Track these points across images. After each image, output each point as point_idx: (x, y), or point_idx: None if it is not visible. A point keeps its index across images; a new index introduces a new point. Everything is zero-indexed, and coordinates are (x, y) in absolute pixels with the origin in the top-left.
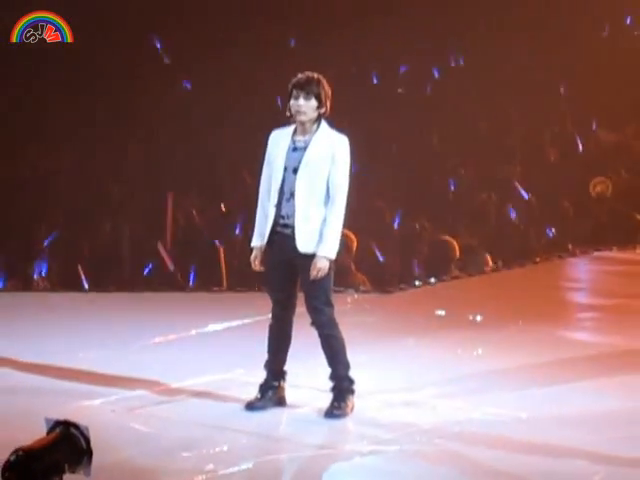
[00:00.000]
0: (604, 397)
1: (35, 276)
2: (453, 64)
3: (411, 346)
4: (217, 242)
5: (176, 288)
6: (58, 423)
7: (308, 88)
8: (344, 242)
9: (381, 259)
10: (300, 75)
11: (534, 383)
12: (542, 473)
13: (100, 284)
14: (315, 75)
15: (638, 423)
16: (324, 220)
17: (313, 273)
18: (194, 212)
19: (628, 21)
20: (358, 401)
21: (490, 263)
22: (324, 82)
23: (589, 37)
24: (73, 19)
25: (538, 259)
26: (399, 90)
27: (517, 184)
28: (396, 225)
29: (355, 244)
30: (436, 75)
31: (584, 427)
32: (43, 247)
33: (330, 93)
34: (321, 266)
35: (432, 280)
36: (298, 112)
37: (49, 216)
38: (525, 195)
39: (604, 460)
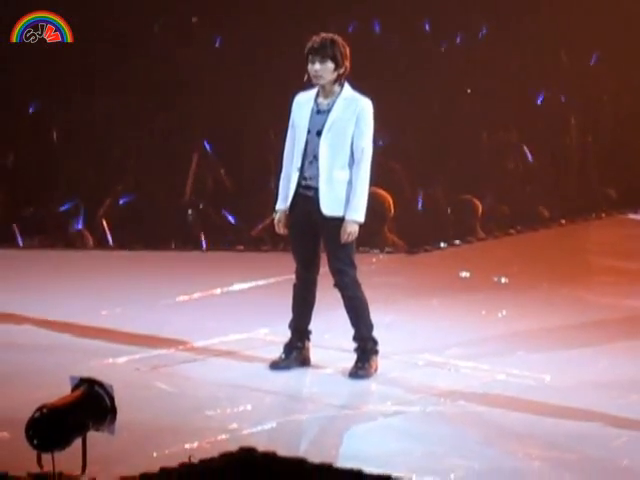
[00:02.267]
0: (629, 361)
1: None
2: (481, 29)
3: (435, 307)
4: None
5: (199, 247)
6: (83, 381)
7: (322, 52)
8: (383, 204)
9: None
10: (314, 38)
11: (558, 346)
12: (565, 435)
13: (125, 242)
14: (329, 36)
15: None
16: (349, 183)
17: (344, 237)
18: (222, 171)
19: None
20: (382, 362)
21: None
22: (340, 42)
23: None
24: (73, 19)
25: (564, 221)
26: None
27: (525, 148)
28: (420, 202)
29: (391, 203)
30: (459, 40)
31: (608, 390)
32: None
33: (348, 52)
34: (351, 230)
35: (457, 241)
36: (315, 77)
37: (68, 185)
38: (530, 157)
39: (628, 424)
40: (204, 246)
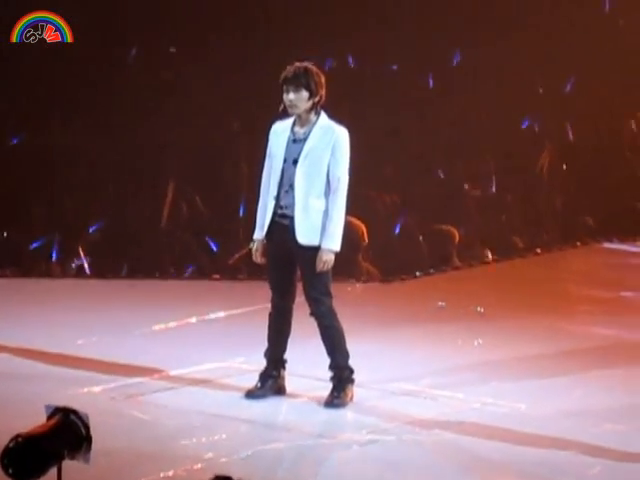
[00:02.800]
0: (604, 390)
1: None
2: (453, 60)
3: (411, 336)
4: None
5: (176, 276)
6: (58, 410)
7: (296, 81)
8: (357, 233)
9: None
10: (288, 67)
11: (534, 375)
12: (540, 464)
13: (101, 271)
14: (302, 65)
15: (637, 417)
16: (326, 212)
17: (319, 266)
18: (197, 199)
19: None
20: (358, 391)
21: (489, 257)
22: (313, 70)
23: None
24: (73, 19)
25: (539, 250)
26: None
27: (494, 178)
28: (396, 231)
29: (364, 232)
30: (431, 80)
31: (583, 420)
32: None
33: (323, 80)
34: (326, 259)
35: (432, 270)
36: (290, 106)
37: (52, 206)
38: (494, 188)
39: (602, 453)
40: (180, 275)
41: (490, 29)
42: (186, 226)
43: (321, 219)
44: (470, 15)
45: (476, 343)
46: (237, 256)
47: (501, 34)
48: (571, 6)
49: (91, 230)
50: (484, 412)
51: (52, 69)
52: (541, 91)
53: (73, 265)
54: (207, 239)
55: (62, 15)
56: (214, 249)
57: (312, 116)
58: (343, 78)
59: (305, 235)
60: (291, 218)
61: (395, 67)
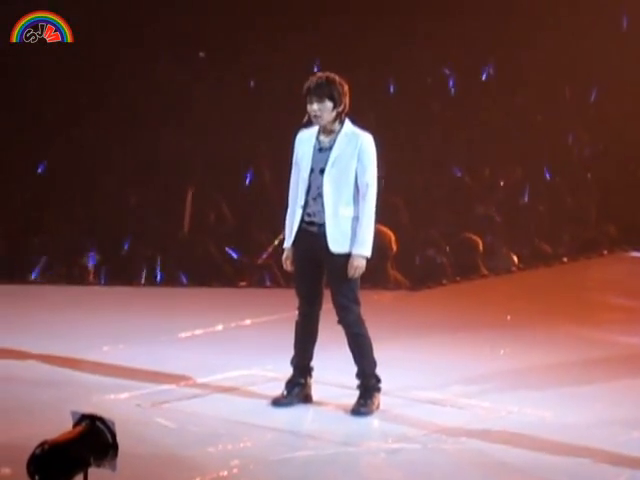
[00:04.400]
0: (629, 398)
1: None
2: (484, 67)
3: (438, 344)
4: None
5: (202, 283)
6: (84, 417)
7: (319, 92)
8: (385, 241)
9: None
10: (311, 78)
11: (559, 383)
12: (566, 473)
13: (127, 278)
14: (324, 76)
15: None
16: (355, 219)
17: (351, 272)
18: (224, 206)
19: None
20: (384, 399)
21: (515, 261)
22: (336, 80)
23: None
24: (73, 19)
25: (565, 259)
26: None
27: (527, 186)
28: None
29: (393, 239)
30: (462, 77)
31: (608, 428)
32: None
33: (346, 89)
34: (358, 264)
35: (458, 279)
36: (315, 117)
37: (57, 218)
38: (526, 198)
39: (628, 462)
40: (206, 282)
41: (517, 39)
42: (212, 234)
43: (351, 226)
44: (498, 27)
45: (502, 351)
46: (265, 255)
47: (529, 43)
48: (593, 21)
49: (122, 243)
50: (510, 420)
51: (52, 69)
52: (568, 99)
53: (90, 265)
54: (228, 249)
55: (62, 15)
56: (234, 257)
57: (337, 125)
58: (373, 88)
59: (337, 242)
60: (319, 225)
61: (428, 70)
